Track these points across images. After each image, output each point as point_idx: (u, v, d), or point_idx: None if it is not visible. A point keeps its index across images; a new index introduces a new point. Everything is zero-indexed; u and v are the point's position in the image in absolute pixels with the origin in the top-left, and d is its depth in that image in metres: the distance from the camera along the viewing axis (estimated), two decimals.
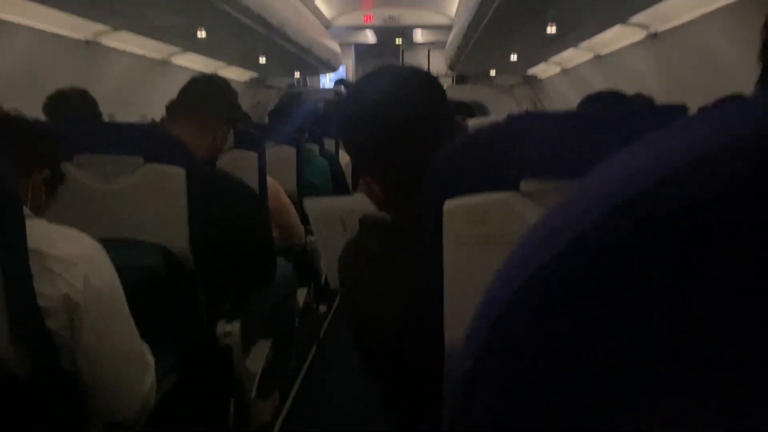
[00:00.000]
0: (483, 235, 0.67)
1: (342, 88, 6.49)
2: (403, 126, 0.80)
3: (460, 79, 6.48)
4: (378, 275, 0.84)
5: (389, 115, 0.80)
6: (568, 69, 5.36)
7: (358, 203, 1.13)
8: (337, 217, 1.18)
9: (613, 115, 0.74)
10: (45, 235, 1.00)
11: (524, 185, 0.66)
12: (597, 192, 0.17)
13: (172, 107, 1.57)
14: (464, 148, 0.68)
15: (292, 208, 2.12)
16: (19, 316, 0.93)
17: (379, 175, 0.87)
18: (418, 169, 0.71)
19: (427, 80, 0.86)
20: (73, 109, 2.10)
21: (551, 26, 3.41)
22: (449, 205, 0.69)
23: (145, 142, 1.26)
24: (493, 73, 5.83)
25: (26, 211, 0.99)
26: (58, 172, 1.18)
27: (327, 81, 6.99)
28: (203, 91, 1.50)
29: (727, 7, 2.45)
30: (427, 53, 6.94)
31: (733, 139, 0.14)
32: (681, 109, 0.73)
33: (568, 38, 3.79)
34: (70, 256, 1.00)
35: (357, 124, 0.84)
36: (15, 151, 1.08)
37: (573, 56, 4.90)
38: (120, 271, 1.07)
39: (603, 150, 0.63)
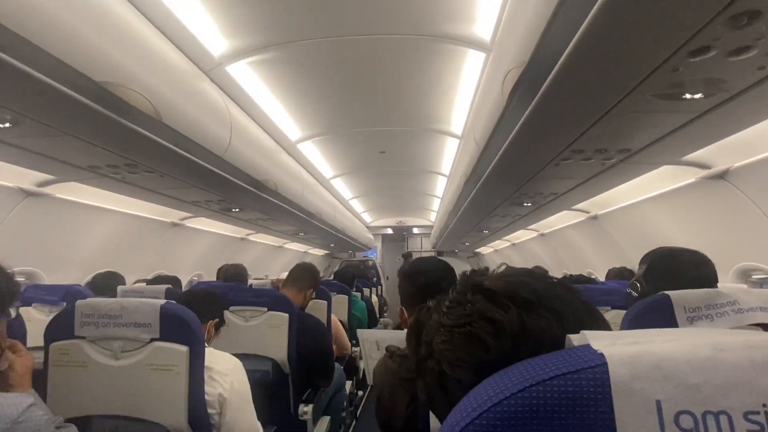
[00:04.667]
0: None
1: (375, 258, 9.99)
2: (430, 282, 1.29)
3: (439, 254, 9.73)
4: (393, 382, 1.14)
5: (426, 277, 1.32)
6: (516, 244, 6.51)
7: (388, 335, 1.58)
8: (374, 341, 1.59)
9: None
10: (211, 357, 1.44)
11: None
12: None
13: (287, 277, 2.31)
14: None
15: (344, 333, 2.90)
16: (194, 404, 1.31)
17: (411, 306, 1.32)
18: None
19: (445, 264, 1.40)
20: (232, 273, 2.92)
21: (487, 230, 5.03)
22: None
23: (268, 298, 1.92)
24: (456, 250, 9.16)
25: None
26: (222, 320, 1.77)
27: (368, 253, 10.45)
28: (302, 272, 2.27)
29: (657, 196, 2.83)
30: (420, 239, 10.59)
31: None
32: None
33: (515, 226, 4.75)
34: (224, 369, 1.44)
35: (411, 279, 1.35)
36: (203, 309, 1.68)
37: (521, 234, 5.78)
38: (248, 374, 1.55)
39: None
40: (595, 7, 1.01)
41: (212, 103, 2.16)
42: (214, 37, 2.22)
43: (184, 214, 3.94)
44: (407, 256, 8.21)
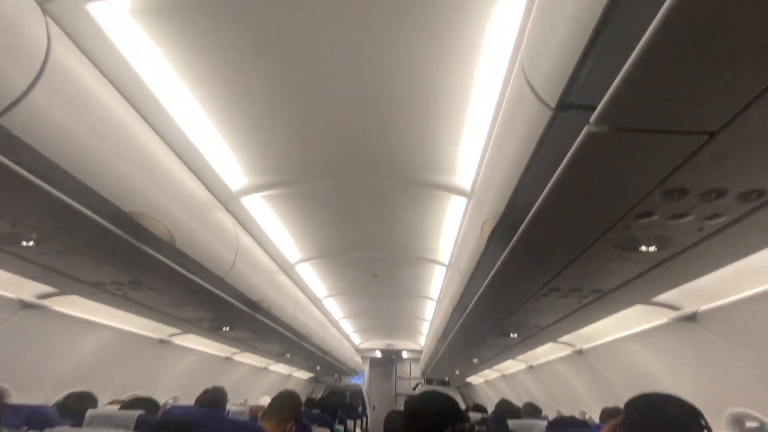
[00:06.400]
0: None
1: (362, 384, 9.33)
2: (436, 422, 1.23)
3: (428, 381, 9.30)
4: None
5: (424, 422, 1.24)
6: (507, 375, 6.16)
7: None
8: None
9: None
10: None
11: None
12: None
13: (267, 407, 2.09)
14: None
15: None
16: None
17: None
18: None
19: (449, 406, 1.29)
20: (210, 398, 2.48)
21: (476, 359, 4.86)
22: None
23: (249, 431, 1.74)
24: (447, 378, 8.76)
25: None
26: None
27: (354, 379, 9.89)
28: (284, 402, 2.05)
29: (637, 333, 2.78)
30: (409, 364, 10.16)
31: None
32: None
33: (504, 356, 4.70)
34: None
35: (410, 420, 1.27)
36: None
37: (511, 365, 5.54)
38: None
39: None
40: (555, 177, 1.19)
41: (223, 229, 2.29)
42: (235, 174, 2.46)
43: (173, 330, 3.79)
44: (414, 389, 8.11)
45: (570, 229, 1.43)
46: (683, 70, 0.85)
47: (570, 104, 1.02)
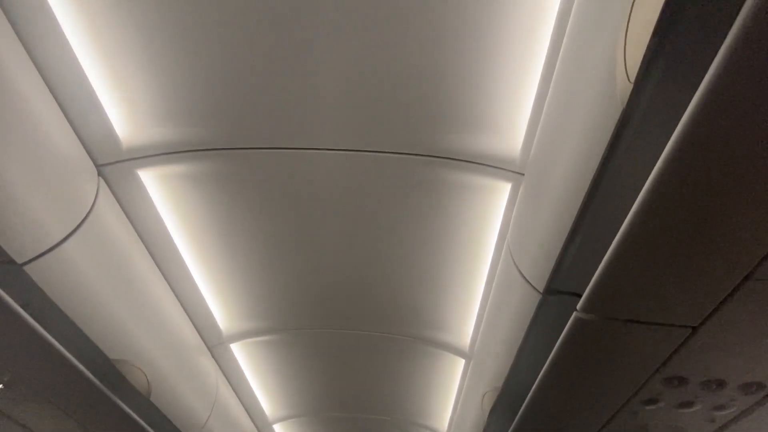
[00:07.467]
0: None
1: None
2: None
3: None
4: None
5: None
6: None
7: None
8: None
9: None
10: None
11: None
12: None
13: None
14: None
15: None
16: None
17: None
18: None
19: None
20: None
21: None
22: None
23: None
24: None
25: None
26: None
27: None
28: None
29: None
30: None
31: None
32: None
33: None
34: None
35: None
36: None
37: None
38: None
39: None
40: (550, 359, 1.20)
41: (204, 379, 2.16)
42: (226, 318, 2.38)
43: None
44: None
45: (573, 413, 1.37)
46: (660, 265, 0.93)
47: (557, 290, 1.11)
